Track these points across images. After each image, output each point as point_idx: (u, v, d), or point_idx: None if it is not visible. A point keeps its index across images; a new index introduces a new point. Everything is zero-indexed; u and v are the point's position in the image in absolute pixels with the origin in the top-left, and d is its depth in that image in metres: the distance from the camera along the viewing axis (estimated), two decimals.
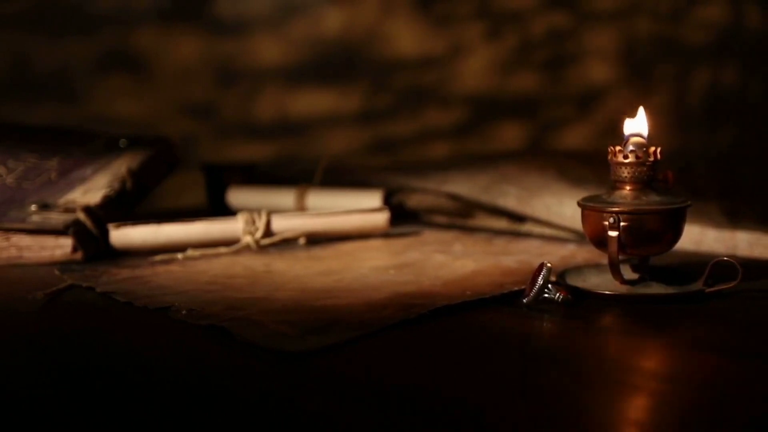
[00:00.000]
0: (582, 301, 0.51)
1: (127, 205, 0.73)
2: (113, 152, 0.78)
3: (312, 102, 1.26)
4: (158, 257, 0.65)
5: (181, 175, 0.89)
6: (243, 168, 0.93)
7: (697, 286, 0.52)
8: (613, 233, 0.50)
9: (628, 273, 0.53)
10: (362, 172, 0.93)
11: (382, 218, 0.73)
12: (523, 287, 0.52)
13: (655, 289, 0.52)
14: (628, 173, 0.51)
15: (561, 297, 0.50)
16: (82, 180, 0.72)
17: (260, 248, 0.69)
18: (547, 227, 0.74)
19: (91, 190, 0.71)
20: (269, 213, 0.70)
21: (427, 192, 0.82)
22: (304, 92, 1.25)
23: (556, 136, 1.54)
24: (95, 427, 0.35)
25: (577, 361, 0.42)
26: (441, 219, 0.82)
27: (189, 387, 0.39)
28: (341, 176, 0.89)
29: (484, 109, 1.43)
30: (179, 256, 0.66)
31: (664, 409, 0.36)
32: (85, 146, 0.79)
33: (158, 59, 1.14)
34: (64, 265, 0.63)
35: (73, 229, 0.65)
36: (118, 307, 0.52)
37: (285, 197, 0.83)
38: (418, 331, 0.46)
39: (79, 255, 0.65)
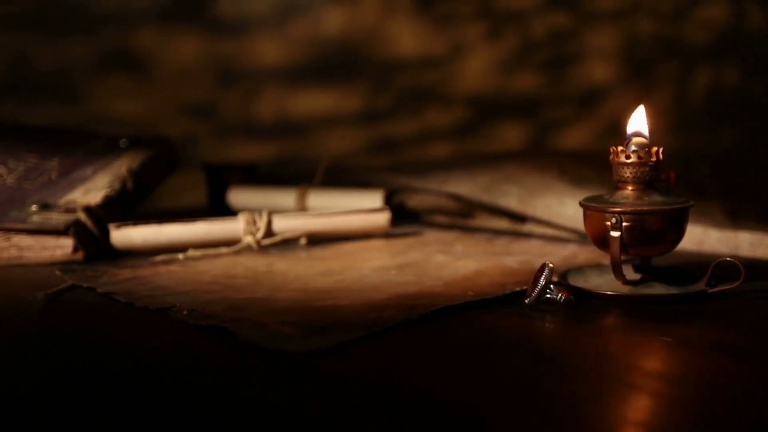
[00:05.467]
0: (584, 302, 0.51)
1: (127, 205, 0.73)
2: (114, 152, 0.78)
3: (312, 102, 1.26)
4: (159, 257, 0.65)
5: (182, 175, 0.89)
6: (243, 168, 0.93)
7: (700, 286, 0.52)
8: (616, 233, 0.50)
9: (630, 273, 0.53)
10: (363, 172, 0.92)
11: (383, 218, 0.73)
12: (524, 288, 0.52)
13: (658, 289, 0.52)
14: (631, 173, 0.51)
15: (563, 298, 0.50)
16: (83, 180, 0.72)
17: (261, 248, 0.69)
18: (548, 227, 0.73)
19: (92, 190, 0.71)
20: (270, 213, 0.70)
21: (428, 192, 0.82)
22: (304, 92, 1.25)
23: (557, 136, 1.54)
24: (96, 428, 0.34)
25: (579, 361, 0.42)
26: (442, 219, 0.82)
27: (190, 388, 0.39)
28: (342, 176, 0.89)
29: (485, 109, 1.43)
30: (180, 256, 0.66)
31: (666, 409, 0.36)
32: (85, 146, 0.79)
33: (158, 59, 1.13)
34: (64, 265, 0.63)
35: (73, 229, 0.65)
36: (119, 307, 0.52)
37: (286, 197, 0.83)
38: (419, 331, 0.46)
39: (79, 255, 0.65)
